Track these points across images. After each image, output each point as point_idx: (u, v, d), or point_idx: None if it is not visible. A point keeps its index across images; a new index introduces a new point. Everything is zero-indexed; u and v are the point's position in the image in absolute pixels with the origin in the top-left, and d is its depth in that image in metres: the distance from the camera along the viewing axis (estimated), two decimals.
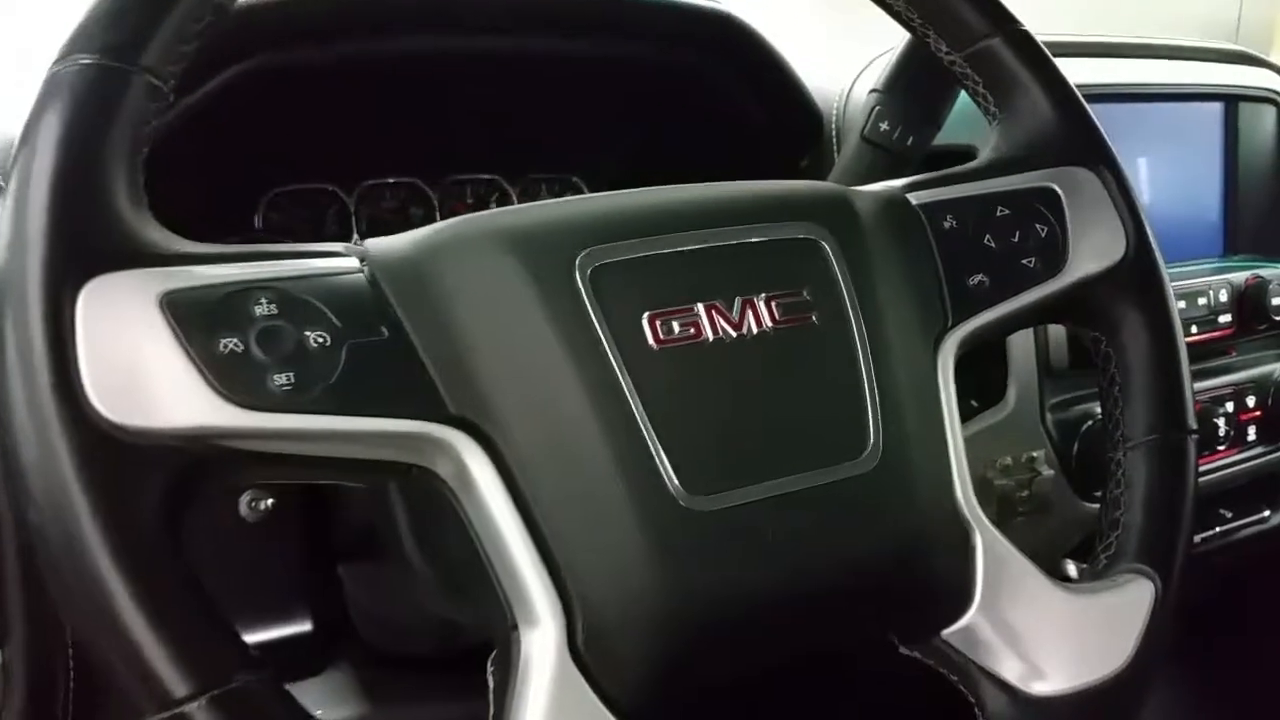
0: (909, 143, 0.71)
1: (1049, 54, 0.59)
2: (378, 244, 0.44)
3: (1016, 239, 0.55)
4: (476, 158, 0.85)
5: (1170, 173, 0.98)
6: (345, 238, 0.81)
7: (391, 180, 0.83)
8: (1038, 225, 0.55)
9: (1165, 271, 0.58)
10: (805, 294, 0.48)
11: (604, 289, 0.44)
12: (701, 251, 0.46)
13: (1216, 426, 0.90)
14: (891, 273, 0.51)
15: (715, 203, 0.49)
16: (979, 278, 0.53)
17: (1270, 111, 1.01)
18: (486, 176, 0.85)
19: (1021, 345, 0.82)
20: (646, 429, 0.43)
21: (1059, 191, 0.56)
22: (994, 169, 0.57)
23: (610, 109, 0.83)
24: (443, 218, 0.83)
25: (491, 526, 0.42)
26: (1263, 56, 1.05)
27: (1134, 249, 0.57)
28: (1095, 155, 0.58)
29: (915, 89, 0.72)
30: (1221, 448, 0.91)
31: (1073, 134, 0.57)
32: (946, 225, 0.53)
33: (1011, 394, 0.82)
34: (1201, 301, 0.92)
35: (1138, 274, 0.57)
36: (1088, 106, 0.59)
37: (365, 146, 0.80)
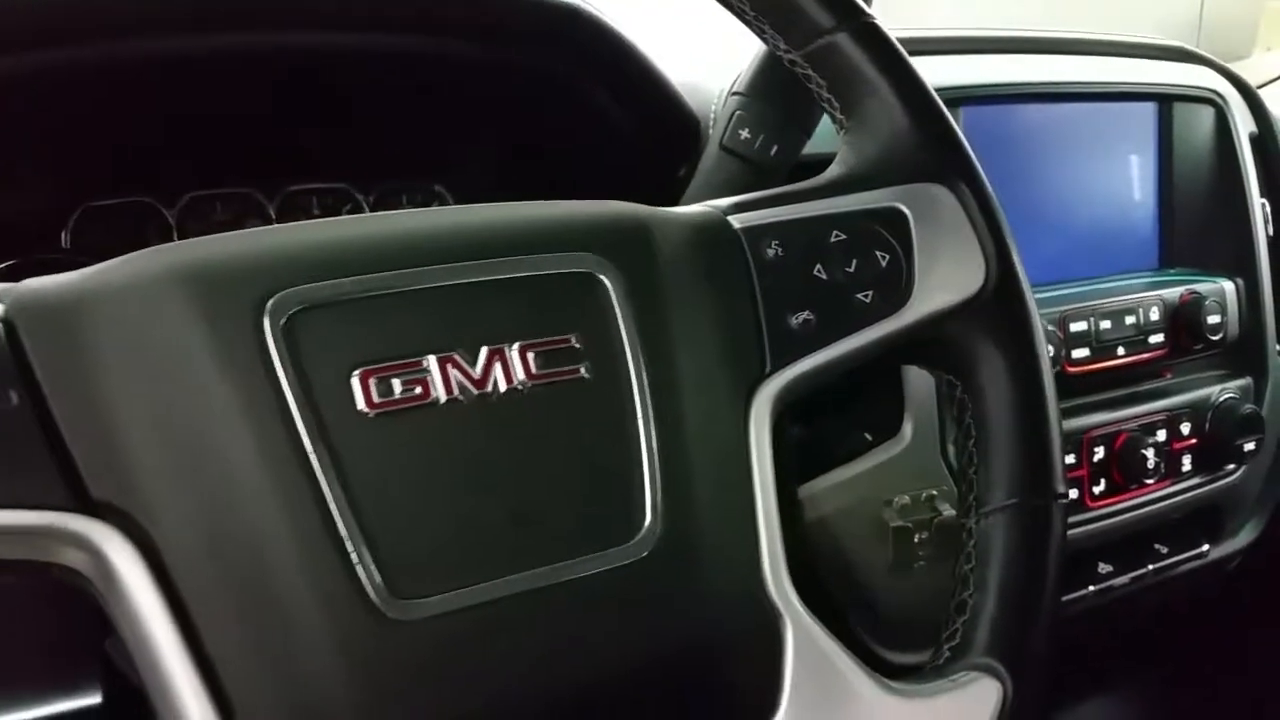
0: (773, 152, 0.63)
1: (903, 51, 0.51)
2: (29, 286, 0.36)
3: (853, 269, 0.47)
4: (321, 164, 0.77)
5: (1102, 179, 0.90)
6: None
7: (224, 191, 0.75)
8: (878, 252, 0.47)
9: (1032, 305, 0.50)
10: (574, 341, 0.40)
11: (304, 339, 0.36)
12: (440, 291, 0.38)
13: (1145, 459, 0.82)
14: (693, 312, 0.43)
15: (464, 231, 0.41)
16: (804, 315, 0.45)
17: (1208, 112, 0.93)
18: (333, 185, 0.77)
19: (920, 372, 0.74)
20: (341, 515, 0.35)
21: (907, 213, 0.48)
22: (835, 186, 0.49)
23: (465, 111, 0.75)
24: None
25: (139, 632, 0.34)
26: (1202, 53, 0.97)
27: (995, 279, 0.49)
28: (953, 169, 0.50)
29: (780, 92, 0.63)
30: (1151, 481, 0.83)
31: (927, 145, 0.49)
32: (770, 253, 0.45)
33: (908, 427, 0.74)
34: (1130, 321, 0.84)
35: (997, 308, 0.49)
36: (946, 112, 0.51)
37: (190, 153, 0.72)
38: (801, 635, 0.41)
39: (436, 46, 0.68)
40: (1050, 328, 0.78)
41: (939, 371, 0.51)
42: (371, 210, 0.79)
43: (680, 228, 0.45)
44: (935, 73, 0.79)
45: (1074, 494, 0.81)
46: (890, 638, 0.76)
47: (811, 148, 0.66)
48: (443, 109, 0.74)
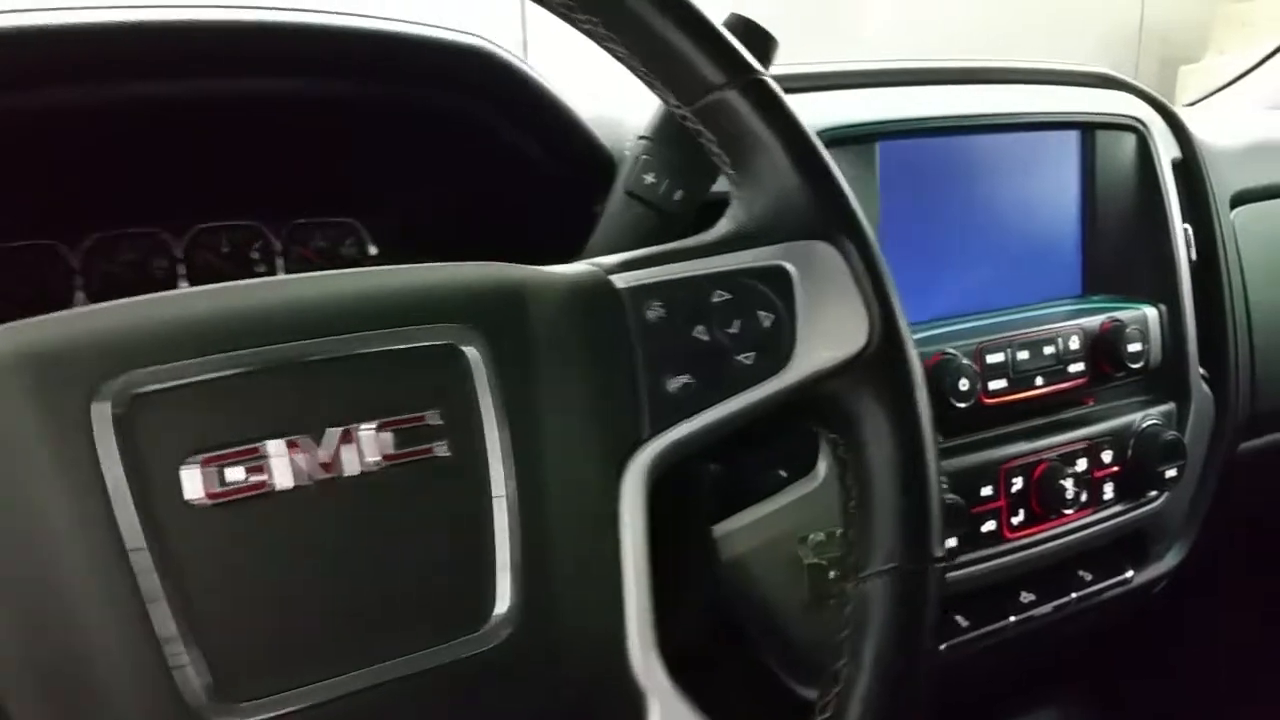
0: (677, 198, 0.63)
1: (791, 109, 0.51)
2: None
3: (735, 330, 0.46)
4: (231, 201, 0.76)
5: (1024, 208, 0.90)
6: (68, 301, 0.72)
7: (130, 231, 0.74)
8: (761, 312, 0.47)
9: (915, 363, 0.49)
10: (434, 418, 0.39)
11: (140, 426, 0.35)
12: (289, 369, 0.38)
13: (1063, 490, 0.82)
14: (565, 380, 0.42)
15: (319, 304, 0.40)
16: (684, 379, 0.45)
17: (1130, 139, 0.93)
18: (243, 223, 0.76)
19: None
20: (163, 613, 0.34)
21: (791, 271, 0.48)
22: (722, 244, 0.49)
23: (376, 150, 0.74)
24: (190, 270, 0.76)
25: None
26: (1125, 79, 0.97)
27: (878, 336, 0.48)
28: (837, 226, 0.49)
29: (686, 137, 0.63)
30: (1070, 511, 0.83)
31: (813, 202, 0.49)
32: (652, 315, 0.45)
33: (823, 464, 0.74)
34: (1049, 350, 0.84)
35: (880, 366, 0.48)
36: (834, 169, 0.51)
37: (92, 194, 0.71)
38: (669, 715, 0.41)
39: (340, 88, 0.67)
40: (966, 361, 0.78)
41: (823, 430, 0.51)
42: (283, 248, 0.78)
43: (559, 290, 0.44)
44: (850, 108, 0.79)
45: (991, 526, 0.81)
46: (805, 674, 0.76)
47: (721, 185, 0.66)
48: (352, 147, 0.73)
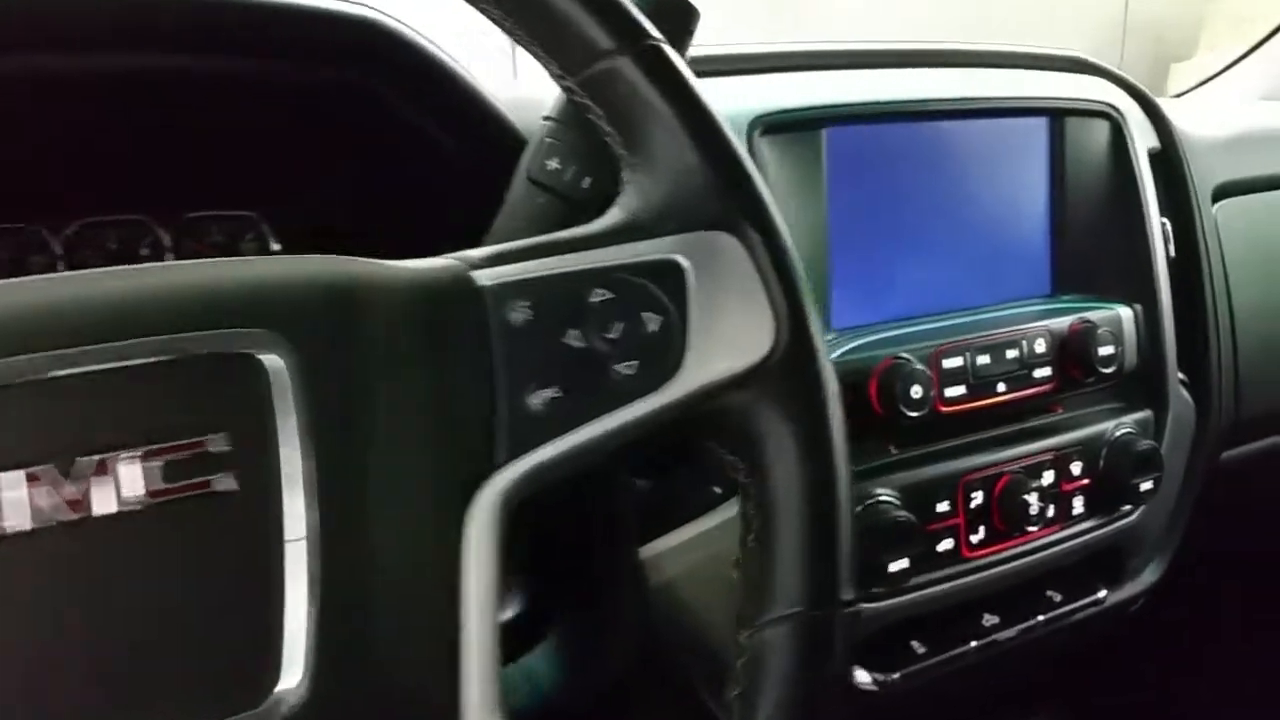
0: (584, 185, 0.57)
1: (691, 80, 0.44)
2: None
3: (615, 335, 0.40)
4: (115, 193, 0.69)
5: (988, 201, 0.83)
6: None
7: (2, 226, 0.67)
8: (647, 314, 0.41)
9: (828, 374, 0.43)
10: (218, 444, 0.32)
11: None
12: (39, 386, 0.31)
13: (1026, 505, 0.76)
14: (398, 396, 0.36)
15: (89, 305, 0.33)
16: (550, 393, 0.38)
17: (1103, 127, 0.87)
18: (129, 217, 0.70)
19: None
20: None
21: (685, 266, 0.42)
22: (608, 235, 0.42)
23: (266, 133, 0.67)
24: (71, 268, 0.70)
25: None
26: (1099, 63, 0.91)
27: (785, 343, 0.42)
28: (743, 215, 0.43)
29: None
30: (1035, 527, 0.77)
31: (715, 187, 0.43)
32: (517, 316, 0.39)
33: None
34: (1012, 355, 0.78)
35: (786, 377, 0.42)
36: (741, 150, 0.44)
37: None
38: None
39: (222, 66, 0.61)
40: (920, 366, 0.71)
41: (721, 451, 0.45)
42: (174, 243, 0.71)
43: (402, 288, 0.38)
44: (793, 91, 0.73)
45: (948, 544, 0.75)
46: None
47: None
48: (243, 132, 0.67)
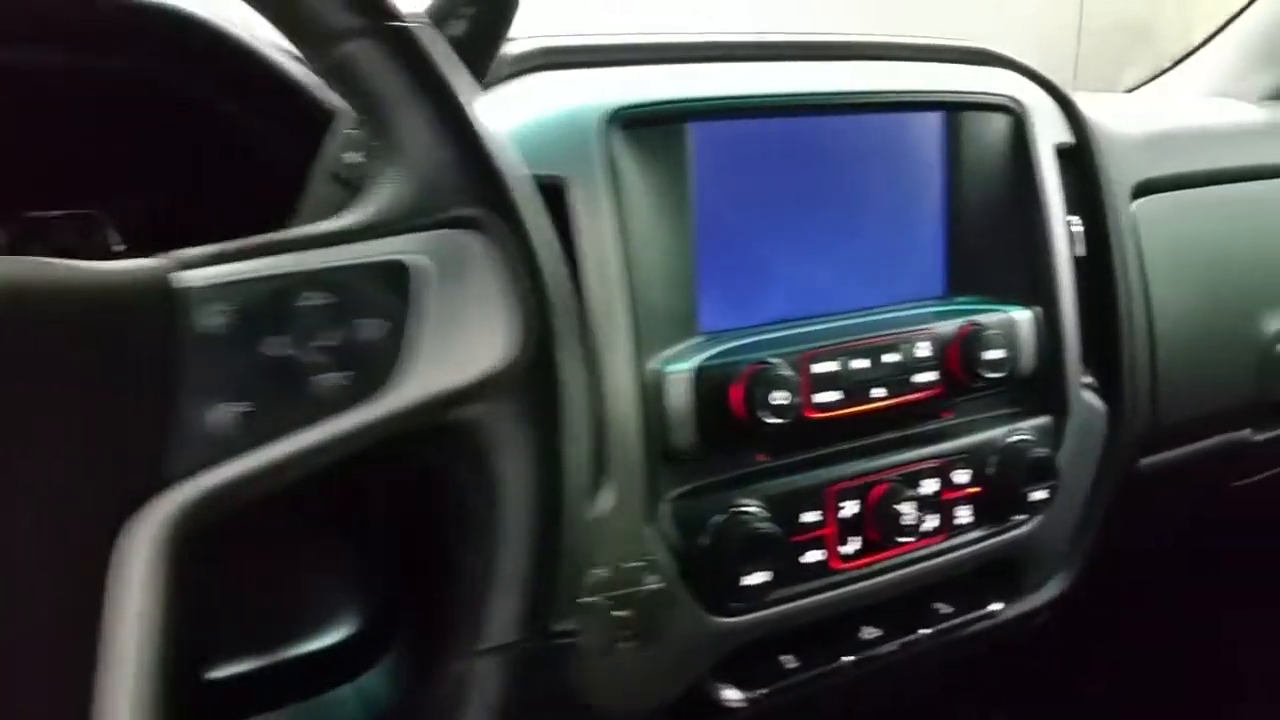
0: None
1: (442, 63, 0.41)
2: None
3: (325, 342, 0.37)
4: None
5: (878, 200, 0.80)
6: None
7: None
8: (364, 320, 0.38)
9: (576, 384, 0.40)
10: None
11: None
12: None
13: (899, 514, 0.72)
14: (46, 416, 0.33)
15: None
16: (241, 407, 0.36)
17: (1002, 121, 0.83)
18: None
19: (620, 422, 0.65)
20: None
21: (417, 267, 0.39)
22: (339, 234, 0.40)
23: (89, 128, 0.65)
24: None
25: None
26: (1007, 55, 0.88)
27: (529, 349, 0.39)
28: (492, 212, 0.40)
29: None
30: (909, 539, 0.74)
31: (463, 182, 0.40)
32: (213, 323, 0.36)
33: (608, 488, 0.65)
34: (891, 359, 0.75)
35: (527, 387, 0.39)
36: (488, 136, 0.41)
37: None
38: None
39: (29, 56, 0.58)
40: (787, 371, 0.68)
41: (448, 470, 0.42)
42: (12, 246, 0.69)
43: (79, 293, 0.35)
44: (656, 84, 0.70)
45: (816, 556, 0.72)
46: None
47: None
48: (61, 125, 0.64)
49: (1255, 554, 1.27)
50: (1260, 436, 1.08)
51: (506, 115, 0.65)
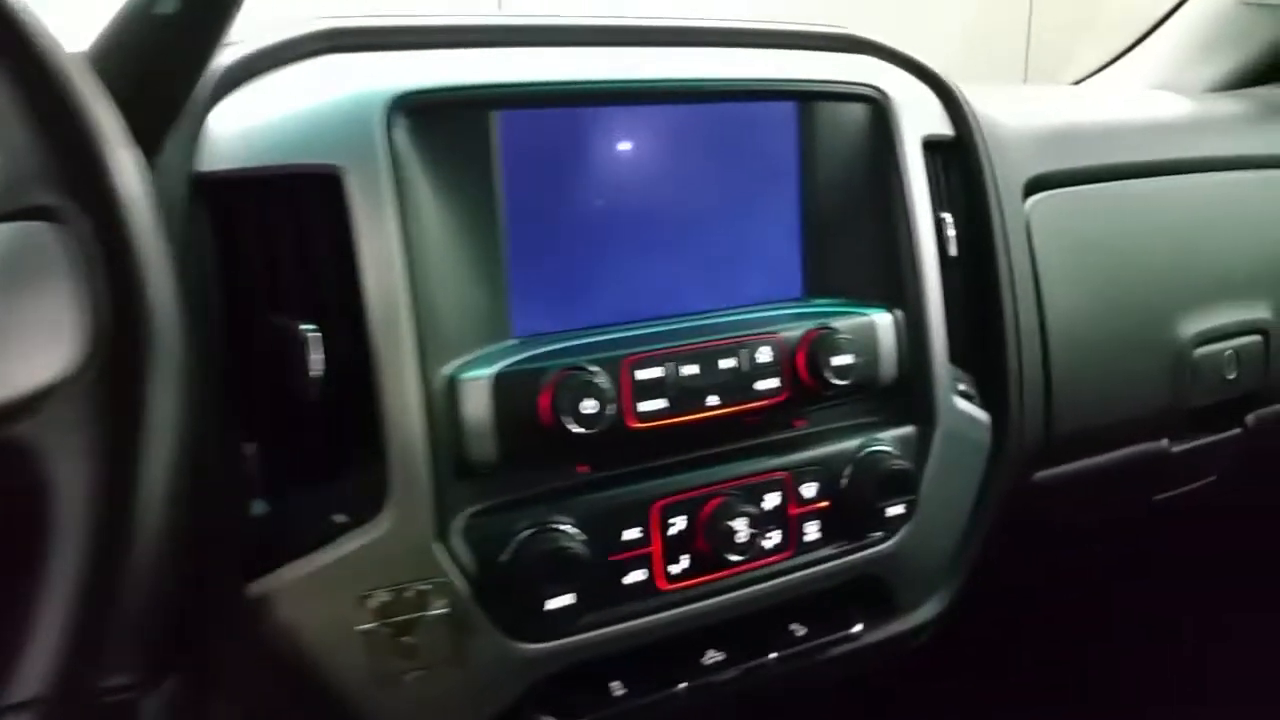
0: None
1: (36, 37, 0.37)
2: None
3: None
4: None
5: (724, 195, 0.75)
6: None
7: None
8: None
9: (160, 392, 0.35)
10: None
11: None
12: None
13: (730, 531, 0.67)
14: None
15: None
16: None
17: (860, 111, 0.78)
18: None
19: (403, 433, 0.60)
20: None
21: None
22: None
23: None
24: None
25: None
26: (878, 41, 0.82)
27: (103, 355, 0.34)
28: (64, 196, 0.35)
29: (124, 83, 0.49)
30: (740, 558, 0.69)
31: (37, 164, 0.35)
32: None
33: (390, 504, 0.60)
34: (728, 364, 0.70)
35: (94, 399, 0.34)
36: (87, 120, 0.37)
37: None
38: None
39: None
40: (603, 378, 0.63)
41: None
42: None
43: None
44: (458, 68, 0.65)
45: (639, 576, 0.67)
46: None
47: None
48: None
49: (1175, 563, 1.21)
50: (1179, 448, 1.02)
51: (286, 101, 0.61)
